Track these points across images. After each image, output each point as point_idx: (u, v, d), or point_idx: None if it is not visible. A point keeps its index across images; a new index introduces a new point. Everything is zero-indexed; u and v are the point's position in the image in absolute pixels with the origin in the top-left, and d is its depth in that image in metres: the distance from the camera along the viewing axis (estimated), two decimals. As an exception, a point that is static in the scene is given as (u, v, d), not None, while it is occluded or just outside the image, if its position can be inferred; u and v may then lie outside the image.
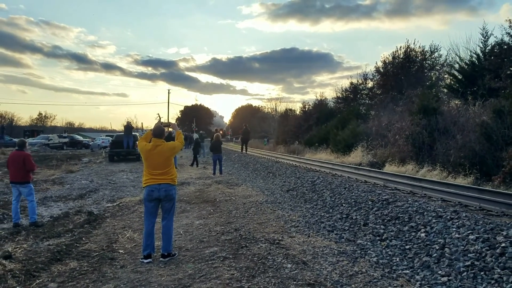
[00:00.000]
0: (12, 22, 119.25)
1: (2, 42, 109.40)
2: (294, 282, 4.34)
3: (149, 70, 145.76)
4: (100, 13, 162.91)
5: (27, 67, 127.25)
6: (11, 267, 5.20)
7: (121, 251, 6.04)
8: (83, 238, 6.89)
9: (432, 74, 28.06)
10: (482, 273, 4.17)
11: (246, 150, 26.44)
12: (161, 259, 5.49)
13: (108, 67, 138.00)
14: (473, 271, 4.24)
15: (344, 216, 7.35)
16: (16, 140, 41.64)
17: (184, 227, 7.46)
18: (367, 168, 13.41)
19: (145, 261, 5.43)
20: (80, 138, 47.34)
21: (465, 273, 4.25)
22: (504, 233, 4.74)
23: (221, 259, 5.34)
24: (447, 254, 4.73)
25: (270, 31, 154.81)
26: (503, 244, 4.47)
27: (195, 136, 24.12)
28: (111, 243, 6.51)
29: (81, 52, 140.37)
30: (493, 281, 3.97)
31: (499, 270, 4.10)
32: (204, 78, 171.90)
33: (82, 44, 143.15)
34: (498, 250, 4.41)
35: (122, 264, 5.44)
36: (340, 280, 4.38)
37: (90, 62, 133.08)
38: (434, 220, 5.75)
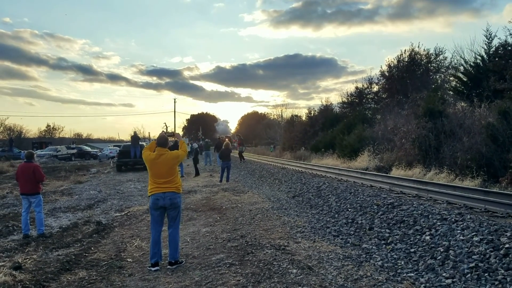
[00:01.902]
0: (17, 35, 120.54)
1: (8, 55, 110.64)
2: (300, 287, 4.38)
3: (154, 79, 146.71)
4: (104, 25, 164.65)
5: (33, 79, 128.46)
6: (21, 278, 5.30)
7: (129, 260, 6.12)
8: (92, 248, 6.98)
9: (437, 76, 28.03)
10: (486, 274, 4.19)
11: (243, 158, 27.69)
12: (168, 266, 5.56)
13: (113, 78, 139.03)
14: (477, 272, 4.26)
15: (350, 220, 7.38)
16: (24, 152, 42.19)
17: (191, 234, 7.53)
18: (373, 173, 13.41)
19: (153, 269, 5.51)
20: (88, 149, 47.73)
21: (469, 275, 4.27)
22: (508, 234, 4.76)
23: (227, 265, 5.40)
24: (451, 257, 4.75)
25: (273, 38, 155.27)
26: (507, 245, 4.49)
27: (194, 145, 24.15)
28: (120, 252, 6.59)
29: (86, 63, 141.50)
30: (497, 282, 3.99)
31: (503, 271, 4.11)
32: (209, 86, 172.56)
33: (86, 56, 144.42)
34: (502, 251, 4.43)
35: (130, 272, 5.51)
36: (345, 284, 4.41)
37: (95, 73, 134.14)
38: (439, 223, 5.77)
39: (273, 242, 6.38)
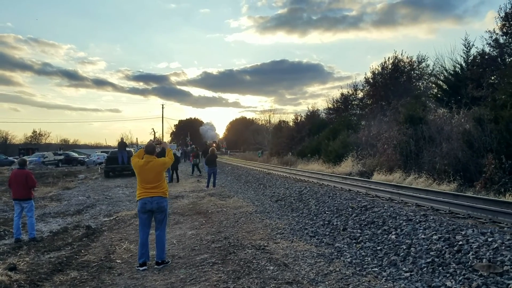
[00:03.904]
0: (0, 40, 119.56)
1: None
2: (275, 281, 4.83)
3: (140, 85, 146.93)
4: (88, 30, 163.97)
5: (18, 85, 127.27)
6: (16, 278, 5.65)
7: (118, 261, 6.50)
8: (82, 251, 7.33)
9: (420, 84, 28.84)
10: (440, 268, 4.68)
11: (199, 170, 24.64)
12: (155, 266, 5.97)
13: (99, 83, 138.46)
14: (432, 266, 4.75)
15: (326, 222, 7.86)
16: (11, 158, 41.95)
17: (177, 237, 7.93)
18: (354, 178, 13.94)
19: (141, 268, 5.91)
20: (76, 155, 47.59)
21: (425, 269, 4.76)
22: (463, 232, 5.29)
23: (210, 264, 5.83)
24: (412, 253, 5.25)
25: (259, 44, 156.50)
26: (460, 242, 5.01)
27: (174, 151, 24.00)
28: (109, 254, 6.96)
29: (72, 68, 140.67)
30: (448, 275, 4.48)
31: (454, 265, 4.62)
32: (196, 91, 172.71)
33: (72, 61, 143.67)
34: (455, 248, 4.94)
35: (119, 272, 5.90)
36: (316, 278, 4.88)
37: (81, 78, 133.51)
38: (404, 223, 6.29)
39: (254, 242, 6.83)
